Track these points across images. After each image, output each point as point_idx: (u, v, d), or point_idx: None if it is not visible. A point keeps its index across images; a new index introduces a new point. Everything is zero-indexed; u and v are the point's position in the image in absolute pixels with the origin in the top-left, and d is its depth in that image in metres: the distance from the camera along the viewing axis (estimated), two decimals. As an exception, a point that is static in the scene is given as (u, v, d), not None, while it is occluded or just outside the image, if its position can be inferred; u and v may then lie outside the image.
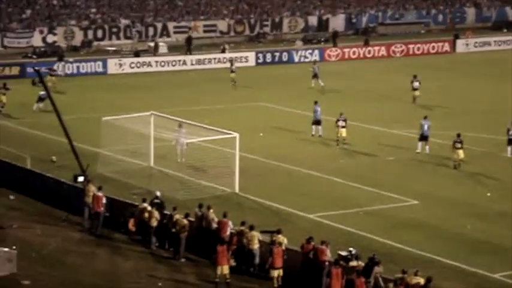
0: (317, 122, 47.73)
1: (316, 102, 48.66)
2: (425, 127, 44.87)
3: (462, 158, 42.30)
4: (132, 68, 70.15)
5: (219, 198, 37.04)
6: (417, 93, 56.68)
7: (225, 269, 28.79)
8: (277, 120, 51.68)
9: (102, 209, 33.72)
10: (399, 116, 53.52)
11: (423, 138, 44.89)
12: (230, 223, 31.22)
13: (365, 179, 40.23)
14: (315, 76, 61.58)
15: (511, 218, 35.76)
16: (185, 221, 31.36)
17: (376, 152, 45.17)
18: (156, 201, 33.28)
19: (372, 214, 36.27)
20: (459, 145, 42.34)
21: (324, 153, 45.21)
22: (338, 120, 45.88)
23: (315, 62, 66.11)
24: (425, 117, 45.59)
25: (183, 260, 31.27)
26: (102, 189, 34.22)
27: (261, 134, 48.73)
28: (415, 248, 32.35)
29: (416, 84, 56.79)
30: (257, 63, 73.88)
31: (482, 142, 46.51)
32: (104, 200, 33.83)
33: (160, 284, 29.35)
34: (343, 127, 45.67)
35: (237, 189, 38.27)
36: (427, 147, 44.84)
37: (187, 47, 75.82)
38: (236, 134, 38.70)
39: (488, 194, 38.65)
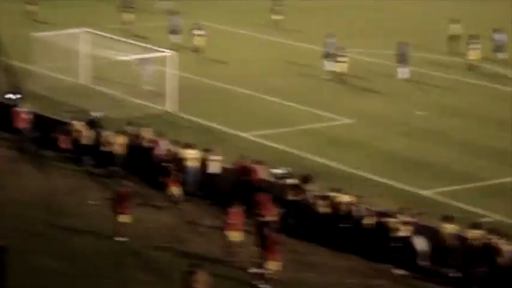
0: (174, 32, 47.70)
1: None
2: (331, 45, 44.59)
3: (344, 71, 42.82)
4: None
5: (153, 117, 36.83)
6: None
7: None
8: (216, 39, 50.76)
9: (25, 125, 33.23)
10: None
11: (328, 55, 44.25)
12: (165, 142, 31.14)
13: (300, 98, 40.31)
14: None
15: (442, 136, 36.29)
16: (116, 139, 31.24)
17: (311, 71, 45.14)
18: (92, 118, 33.15)
19: (306, 133, 36.49)
20: (343, 59, 42.89)
21: (259, 72, 45.03)
22: (192, 29, 46.99)
23: None
24: (328, 35, 45.08)
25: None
26: (35, 106, 33.74)
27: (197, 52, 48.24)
28: (348, 166, 32.72)
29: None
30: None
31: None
32: (25, 116, 33.32)
33: (92, 202, 29.34)
34: (199, 35, 46.90)
35: (170, 108, 38.07)
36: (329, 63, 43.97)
37: None
38: (172, 52, 38.30)
39: (418, 113, 39.06)
